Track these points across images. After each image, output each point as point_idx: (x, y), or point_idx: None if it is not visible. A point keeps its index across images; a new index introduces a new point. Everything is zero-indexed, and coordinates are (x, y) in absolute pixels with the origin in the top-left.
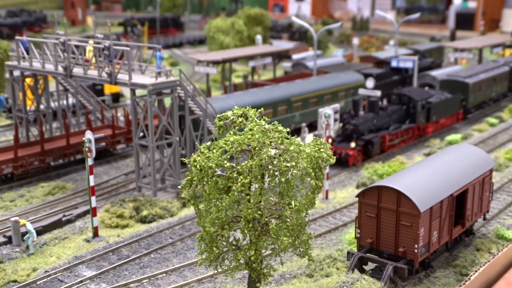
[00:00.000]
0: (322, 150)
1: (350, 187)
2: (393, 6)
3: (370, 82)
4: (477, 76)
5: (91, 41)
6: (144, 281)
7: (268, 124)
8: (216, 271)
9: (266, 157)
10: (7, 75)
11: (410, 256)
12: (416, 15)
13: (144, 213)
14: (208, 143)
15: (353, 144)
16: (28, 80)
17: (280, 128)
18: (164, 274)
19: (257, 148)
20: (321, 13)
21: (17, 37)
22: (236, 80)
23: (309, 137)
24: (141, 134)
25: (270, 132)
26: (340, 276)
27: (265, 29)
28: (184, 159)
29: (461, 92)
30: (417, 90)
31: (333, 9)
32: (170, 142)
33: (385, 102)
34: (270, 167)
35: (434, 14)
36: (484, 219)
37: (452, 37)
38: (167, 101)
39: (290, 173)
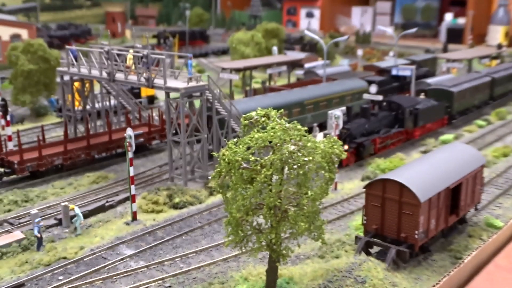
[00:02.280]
0: (335, 147)
1: (356, 179)
2: (392, 22)
3: (373, 88)
4: (461, 86)
5: (131, 50)
6: (176, 259)
7: (287, 123)
8: (240, 252)
9: (287, 152)
10: (57, 79)
11: (411, 241)
12: (413, 30)
13: (176, 200)
14: (235, 140)
15: (346, 147)
16: (76, 84)
17: (299, 127)
18: (194, 254)
19: (278, 144)
20: (329, 27)
21: (67, 47)
22: (255, 85)
23: (320, 136)
24: (174, 131)
25: (290, 130)
26: (348, 257)
27: (280, 41)
28: (214, 153)
29: (447, 99)
30: (406, 98)
31: (339, 25)
32: (199, 139)
33: (376, 108)
34: (290, 161)
35: (427, 29)
36: (476, 209)
37: (445, 50)
38: (197, 103)
39: (307, 166)
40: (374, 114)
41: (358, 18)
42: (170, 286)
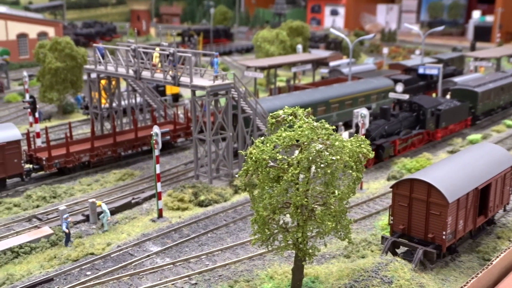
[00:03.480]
0: (362, 146)
1: (382, 179)
2: (418, 19)
3: (399, 87)
4: (485, 86)
5: (157, 48)
6: (202, 257)
7: (315, 122)
8: (266, 250)
9: (314, 151)
10: (84, 77)
11: (438, 241)
12: (441, 28)
13: (202, 198)
14: (262, 138)
15: None
16: (102, 81)
17: (327, 125)
18: (219, 251)
19: (305, 143)
20: (353, 26)
21: (94, 45)
22: (280, 83)
23: (345, 135)
24: (199, 129)
25: (317, 129)
26: (375, 257)
27: (305, 39)
28: (240, 151)
29: (471, 100)
30: (427, 98)
31: (363, 23)
32: (224, 137)
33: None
34: (317, 160)
35: (454, 27)
36: (504, 210)
37: (472, 48)
38: (222, 101)
39: (334, 165)
40: (394, 115)
41: (384, 16)
42: (196, 283)
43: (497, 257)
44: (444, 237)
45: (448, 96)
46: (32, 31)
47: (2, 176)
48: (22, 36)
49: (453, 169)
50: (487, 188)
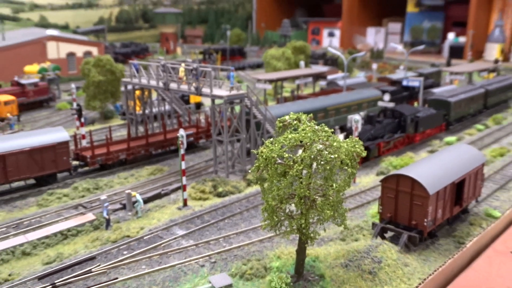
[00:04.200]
0: (356, 146)
1: (372, 174)
2: (401, 40)
3: (386, 97)
4: (458, 96)
5: (183, 64)
6: (220, 239)
7: (316, 125)
8: (274, 234)
9: (316, 150)
10: (122, 88)
11: (420, 227)
12: (421, 47)
13: (220, 189)
14: (271, 139)
15: None
16: (137, 92)
17: (326, 128)
18: (234, 235)
19: (308, 144)
20: (347, 45)
21: (130, 61)
22: (286, 94)
23: (341, 137)
24: (218, 132)
25: (318, 132)
26: (366, 241)
27: (307, 56)
28: (253, 150)
29: (445, 108)
30: (408, 107)
31: (356, 43)
32: (239, 138)
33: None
34: (318, 158)
35: (433, 47)
36: (477, 201)
37: (448, 64)
38: (237, 108)
39: (333, 162)
40: (379, 121)
41: (373, 37)
42: (215, 262)
43: (470, 241)
44: (425, 223)
45: (426, 105)
46: (79, 50)
47: (53, 171)
48: (70, 54)
49: (433, 166)
50: (462, 182)
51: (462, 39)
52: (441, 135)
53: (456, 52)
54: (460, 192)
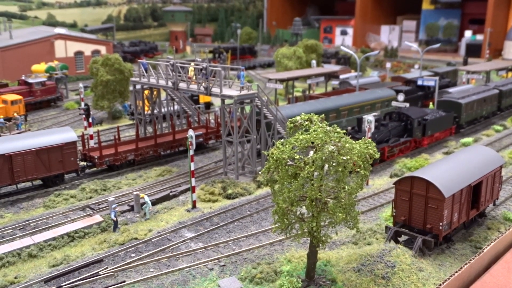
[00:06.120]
0: (369, 147)
1: (385, 176)
2: (416, 38)
3: (401, 96)
4: (469, 97)
5: (192, 63)
6: (230, 242)
7: (328, 126)
8: (285, 237)
9: (327, 152)
10: (130, 88)
11: (435, 231)
12: (437, 45)
13: (229, 191)
14: (282, 140)
15: None
16: (146, 91)
17: (338, 129)
18: (244, 238)
19: (320, 145)
20: (360, 44)
21: (139, 60)
22: (297, 93)
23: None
24: (228, 132)
25: (330, 133)
26: (379, 245)
27: (318, 55)
28: (263, 151)
29: (455, 110)
30: (414, 109)
31: (369, 41)
32: (249, 139)
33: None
34: (330, 159)
35: (449, 45)
36: (494, 204)
37: (465, 63)
38: (247, 108)
39: (345, 164)
40: (384, 124)
41: (387, 35)
42: (224, 265)
43: (488, 245)
44: (440, 227)
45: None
46: (87, 49)
47: (61, 171)
48: (78, 53)
49: (448, 168)
50: (479, 185)
51: (479, 37)
52: (451, 139)
53: (473, 50)
54: (477, 195)
